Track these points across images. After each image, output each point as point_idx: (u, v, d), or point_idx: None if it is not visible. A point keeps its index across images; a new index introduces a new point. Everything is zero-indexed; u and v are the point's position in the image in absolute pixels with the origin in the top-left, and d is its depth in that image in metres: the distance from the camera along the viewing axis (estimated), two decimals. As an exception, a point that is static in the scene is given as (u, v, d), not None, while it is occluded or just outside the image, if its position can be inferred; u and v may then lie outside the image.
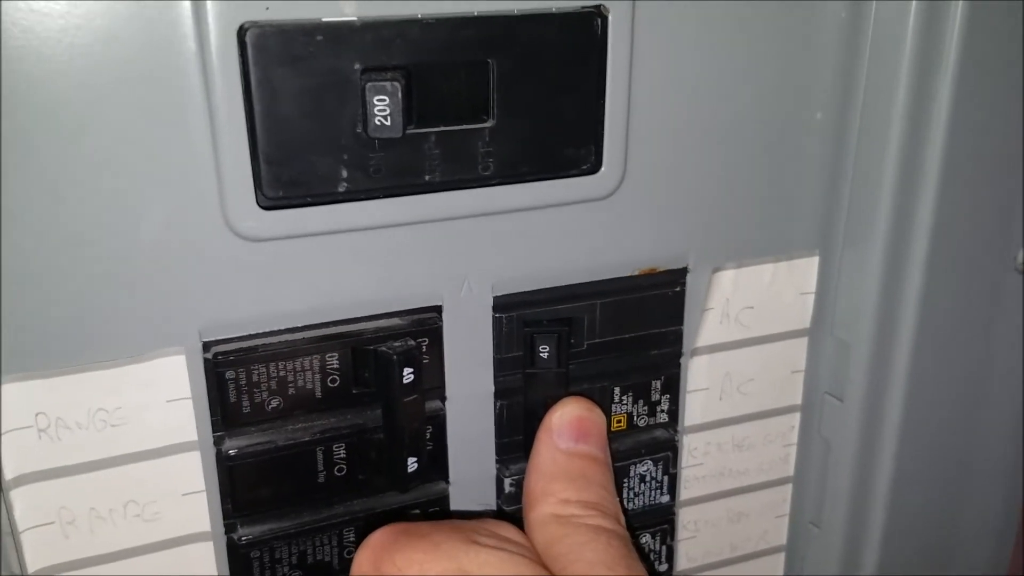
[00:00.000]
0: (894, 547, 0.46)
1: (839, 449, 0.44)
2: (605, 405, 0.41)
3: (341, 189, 0.33)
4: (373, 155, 0.33)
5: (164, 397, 0.34)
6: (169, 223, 0.31)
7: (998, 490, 0.48)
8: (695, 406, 0.43)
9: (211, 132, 0.31)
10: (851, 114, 0.40)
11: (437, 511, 0.39)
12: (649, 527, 0.43)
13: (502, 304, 0.37)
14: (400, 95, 0.31)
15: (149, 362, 0.33)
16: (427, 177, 0.34)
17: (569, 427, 0.36)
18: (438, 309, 0.36)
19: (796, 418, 0.45)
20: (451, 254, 0.36)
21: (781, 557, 0.48)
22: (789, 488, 0.47)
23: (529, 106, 0.34)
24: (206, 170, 0.31)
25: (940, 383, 0.43)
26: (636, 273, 0.39)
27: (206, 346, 0.33)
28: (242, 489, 0.35)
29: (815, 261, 0.42)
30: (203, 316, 0.33)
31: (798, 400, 0.45)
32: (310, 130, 0.31)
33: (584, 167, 0.36)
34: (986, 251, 0.42)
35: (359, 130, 0.32)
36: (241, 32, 0.30)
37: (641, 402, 0.41)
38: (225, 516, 0.36)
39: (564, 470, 0.35)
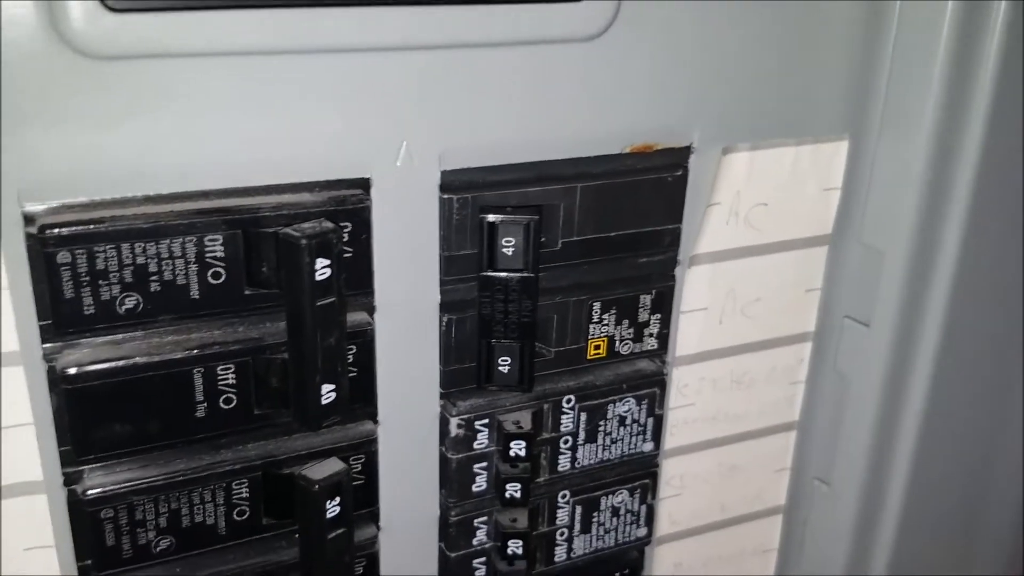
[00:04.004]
0: (917, 508, 0.38)
1: (860, 386, 0.36)
2: (581, 325, 0.32)
3: (226, -9, 0.23)
4: (274, -56, 0.23)
5: (-32, 291, 0.24)
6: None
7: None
8: (690, 331, 0.34)
9: None
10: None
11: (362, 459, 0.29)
12: (627, 482, 0.35)
13: (452, 183, 0.28)
14: None
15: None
16: (351, -14, 0.24)
17: None
18: (365, 184, 0.27)
19: (806, 349, 0.37)
20: (383, 106, 0.26)
21: (778, 520, 0.40)
22: (792, 436, 0.39)
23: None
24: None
25: (989, 304, 0.35)
26: (627, 150, 0.30)
27: (28, 218, 0.23)
28: (86, 424, 0.25)
29: (843, 147, 0.34)
30: (23, 173, 0.23)
31: (811, 327, 0.37)
32: None
33: (563, -8, 0.27)
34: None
35: (252, -100, 0.22)
36: None
37: (626, 323, 0.32)
38: (64, 461, 0.26)
39: None
